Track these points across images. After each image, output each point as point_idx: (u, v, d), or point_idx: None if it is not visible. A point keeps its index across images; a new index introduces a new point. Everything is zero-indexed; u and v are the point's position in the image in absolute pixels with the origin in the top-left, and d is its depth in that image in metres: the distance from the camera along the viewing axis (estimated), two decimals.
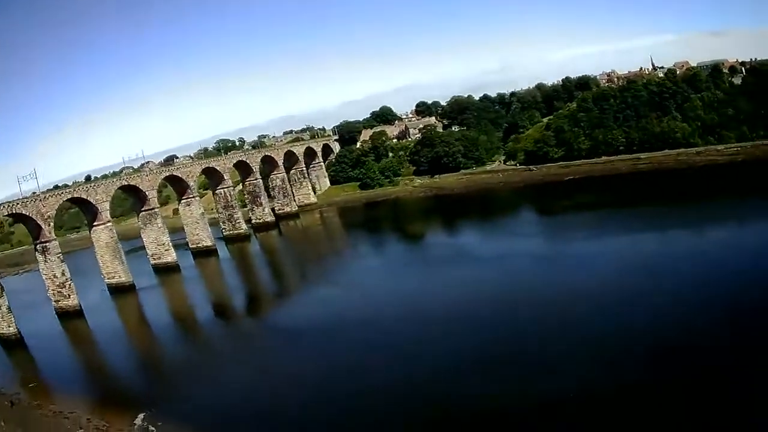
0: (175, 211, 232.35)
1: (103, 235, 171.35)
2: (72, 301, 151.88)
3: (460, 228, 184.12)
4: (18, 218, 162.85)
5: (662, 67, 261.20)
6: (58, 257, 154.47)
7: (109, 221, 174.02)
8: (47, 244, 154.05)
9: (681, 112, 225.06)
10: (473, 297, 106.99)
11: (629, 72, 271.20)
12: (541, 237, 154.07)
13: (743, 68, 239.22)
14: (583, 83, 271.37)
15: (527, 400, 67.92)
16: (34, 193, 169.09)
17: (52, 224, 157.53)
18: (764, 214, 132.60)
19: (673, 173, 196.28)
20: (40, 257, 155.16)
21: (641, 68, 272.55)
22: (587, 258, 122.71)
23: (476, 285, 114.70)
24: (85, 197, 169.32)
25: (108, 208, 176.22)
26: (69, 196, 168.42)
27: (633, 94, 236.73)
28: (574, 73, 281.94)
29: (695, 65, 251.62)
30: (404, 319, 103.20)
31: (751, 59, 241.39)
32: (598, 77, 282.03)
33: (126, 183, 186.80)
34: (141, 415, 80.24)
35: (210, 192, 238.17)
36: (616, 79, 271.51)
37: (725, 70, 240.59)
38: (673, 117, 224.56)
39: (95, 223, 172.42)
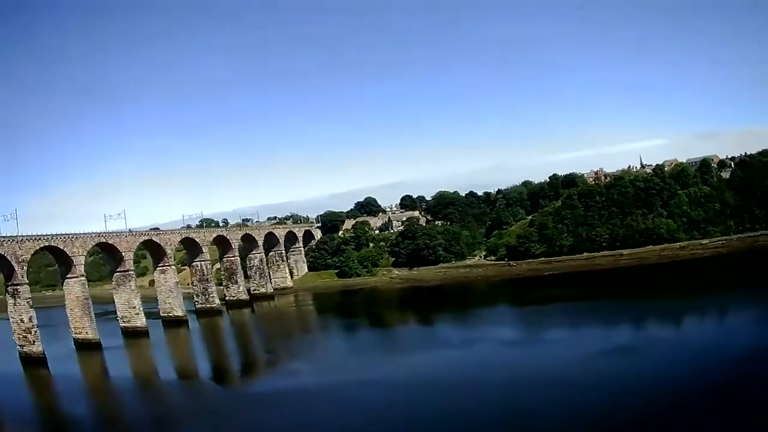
0: (151, 282, 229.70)
1: (75, 288, 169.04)
2: (36, 348, 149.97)
3: (431, 317, 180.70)
4: None
5: (650, 165, 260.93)
6: (27, 302, 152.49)
7: (82, 275, 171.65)
8: (18, 287, 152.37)
9: (667, 208, 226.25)
10: (433, 375, 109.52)
11: (617, 170, 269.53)
12: (508, 326, 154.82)
13: (732, 163, 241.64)
14: (570, 181, 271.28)
15: None
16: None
17: (25, 268, 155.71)
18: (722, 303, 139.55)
19: (653, 268, 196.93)
20: (10, 300, 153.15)
21: (629, 166, 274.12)
22: (550, 345, 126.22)
23: (437, 367, 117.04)
24: (61, 247, 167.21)
25: (83, 262, 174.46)
26: (46, 244, 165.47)
27: (619, 190, 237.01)
28: (563, 173, 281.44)
29: (684, 161, 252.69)
30: (364, 389, 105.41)
31: (741, 154, 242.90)
32: (585, 175, 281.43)
33: (104, 241, 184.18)
34: None
35: (187, 268, 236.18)
36: (603, 177, 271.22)
37: (714, 165, 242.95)
38: (658, 213, 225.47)
39: (68, 276, 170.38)
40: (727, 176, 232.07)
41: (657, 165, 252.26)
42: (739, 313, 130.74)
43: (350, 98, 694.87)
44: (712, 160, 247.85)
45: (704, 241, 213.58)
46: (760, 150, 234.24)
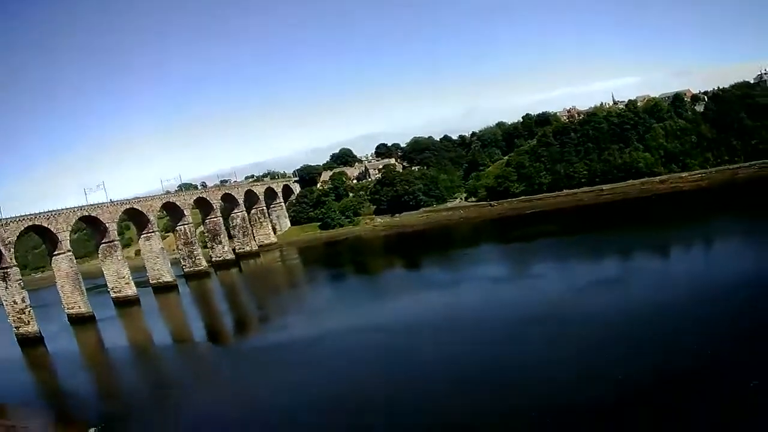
0: (137, 253, 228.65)
1: (63, 264, 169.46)
2: (32, 328, 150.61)
3: (417, 260, 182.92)
4: None
5: (623, 101, 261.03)
6: (19, 284, 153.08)
7: (69, 250, 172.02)
8: (8, 270, 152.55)
9: (643, 142, 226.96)
10: (422, 318, 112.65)
11: (590, 107, 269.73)
12: (494, 264, 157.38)
13: (705, 97, 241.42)
14: (544, 120, 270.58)
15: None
16: None
17: (12, 250, 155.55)
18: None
19: (635, 201, 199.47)
20: (1, 284, 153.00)
21: (602, 103, 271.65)
22: (538, 280, 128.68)
23: (426, 309, 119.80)
24: (45, 225, 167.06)
25: (68, 237, 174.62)
26: (29, 224, 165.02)
27: (594, 126, 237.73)
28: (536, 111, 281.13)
29: (657, 96, 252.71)
30: (356, 335, 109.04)
31: (714, 88, 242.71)
32: (558, 114, 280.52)
33: (87, 214, 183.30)
34: (91, 430, 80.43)
35: (171, 234, 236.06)
36: (576, 115, 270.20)
37: (687, 100, 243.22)
38: (635, 148, 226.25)
39: (55, 252, 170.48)
40: (701, 110, 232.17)
41: (630, 100, 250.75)
42: (723, 243, 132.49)
43: (321, 51, 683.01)
44: (685, 94, 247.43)
45: (683, 174, 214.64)
46: (733, 83, 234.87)
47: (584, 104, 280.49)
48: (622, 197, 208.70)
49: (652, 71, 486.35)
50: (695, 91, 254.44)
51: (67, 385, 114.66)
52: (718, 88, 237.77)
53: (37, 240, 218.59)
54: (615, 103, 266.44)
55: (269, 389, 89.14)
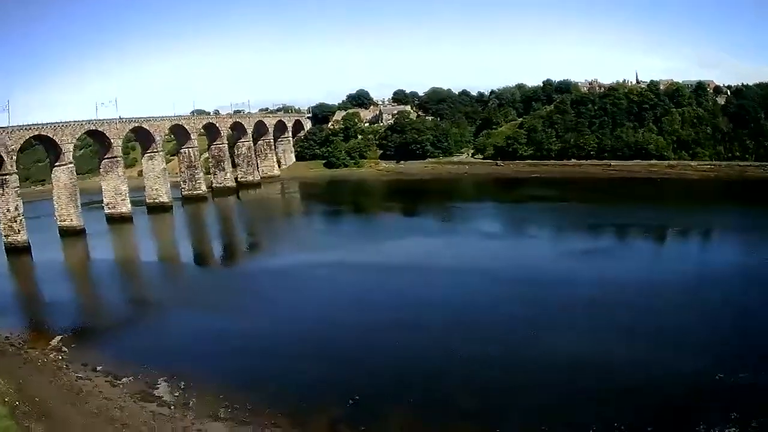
0: (140, 173, 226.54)
1: (63, 176, 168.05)
2: (21, 237, 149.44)
3: (414, 208, 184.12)
4: None
5: (645, 81, 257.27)
6: (15, 191, 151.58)
7: (71, 163, 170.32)
8: (7, 177, 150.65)
9: (658, 125, 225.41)
10: (408, 260, 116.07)
11: (613, 82, 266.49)
12: (489, 219, 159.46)
13: (728, 90, 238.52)
14: (564, 87, 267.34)
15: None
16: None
17: (14, 158, 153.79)
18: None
19: (641, 181, 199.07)
20: None
21: (624, 80, 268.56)
22: (528, 240, 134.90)
23: (413, 253, 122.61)
24: (50, 136, 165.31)
25: (71, 150, 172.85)
26: (36, 133, 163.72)
27: (612, 101, 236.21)
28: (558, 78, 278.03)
29: (680, 82, 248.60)
30: (338, 269, 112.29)
31: (737, 84, 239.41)
32: (579, 84, 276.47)
33: (93, 128, 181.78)
34: (58, 338, 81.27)
35: (175, 158, 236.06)
36: (597, 87, 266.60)
37: (710, 90, 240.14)
38: (649, 129, 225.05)
39: (57, 164, 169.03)
40: (722, 102, 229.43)
41: (652, 81, 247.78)
42: (719, 236, 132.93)
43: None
44: (708, 84, 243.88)
45: (693, 163, 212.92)
46: (758, 82, 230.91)
47: (607, 77, 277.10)
48: (628, 175, 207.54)
49: (678, 57, 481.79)
50: (720, 83, 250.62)
51: (44, 294, 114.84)
52: (742, 84, 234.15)
53: (42, 154, 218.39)
54: (638, 81, 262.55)
55: (247, 312, 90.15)
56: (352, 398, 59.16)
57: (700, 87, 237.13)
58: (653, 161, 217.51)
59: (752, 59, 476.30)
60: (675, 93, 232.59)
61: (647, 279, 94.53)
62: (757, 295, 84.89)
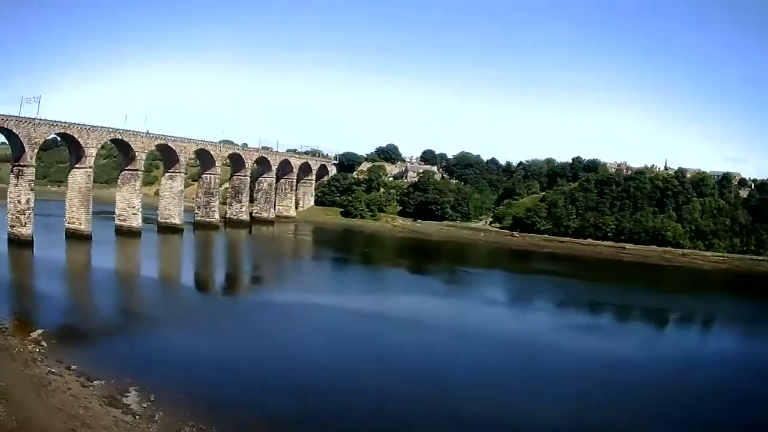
0: (157, 192, 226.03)
1: (79, 178, 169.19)
2: (26, 231, 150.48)
3: (422, 266, 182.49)
4: (6, 134, 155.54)
5: (674, 168, 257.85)
6: (30, 184, 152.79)
7: (90, 167, 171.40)
8: (24, 168, 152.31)
9: (678, 212, 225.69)
10: (406, 315, 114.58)
11: (642, 166, 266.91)
12: (495, 287, 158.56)
13: (753, 184, 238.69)
14: (592, 166, 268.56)
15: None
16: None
17: (35, 151, 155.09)
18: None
19: (652, 267, 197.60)
20: (12, 180, 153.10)
21: (653, 165, 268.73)
22: (530, 312, 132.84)
23: (413, 308, 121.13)
24: (75, 136, 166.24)
25: (94, 154, 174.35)
26: (61, 131, 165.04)
27: (637, 185, 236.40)
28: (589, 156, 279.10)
29: (707, 172, 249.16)
30: (332, 312, 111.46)
31: (764, 178, 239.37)
32: (609, 165, 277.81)
33: (120, 138, 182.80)
34: (39, 331, 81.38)
35: (195, 184, 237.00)
36: (625, 170, 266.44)
37: (735, 182, 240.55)
38: (669, 216, 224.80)
39: (77, 165, 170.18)
40: (745, 195, 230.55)
41: (680, 168, 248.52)
42: (712, 324, 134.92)
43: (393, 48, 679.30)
44: (734, 177, 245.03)
45: (707, 253, 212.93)
46: None
47: (637, 162, 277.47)
48: (641, 260, 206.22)
49: (706, 151, 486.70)
50: (746, 176, 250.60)
51: (36, 289, 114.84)
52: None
53: (64, 155, 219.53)
54: (666, 168, 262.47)
55: (234, 340, 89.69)
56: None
57: (725, 178, 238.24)
58: (668, 248, 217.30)
59: None
60: (700, 182, 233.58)
61: (640, 359, 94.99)
62: (744, 384, 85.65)
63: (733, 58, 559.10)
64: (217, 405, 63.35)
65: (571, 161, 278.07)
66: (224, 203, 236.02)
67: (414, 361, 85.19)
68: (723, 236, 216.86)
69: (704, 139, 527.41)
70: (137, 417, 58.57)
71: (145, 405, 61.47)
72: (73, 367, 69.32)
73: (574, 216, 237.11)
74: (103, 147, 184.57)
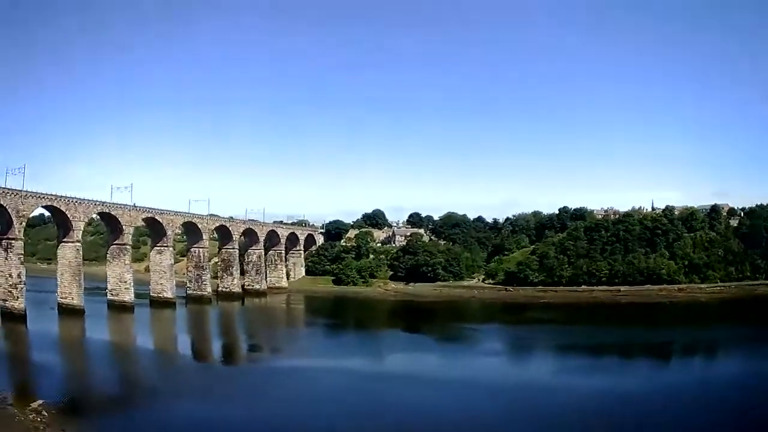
0: (147, 269, 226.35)
1: (69, 253, 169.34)
2: (19, 304, 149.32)
3: (418, 327, 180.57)
4: None
5: (660, 209, 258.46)
6: (19, 258, 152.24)
7: (78, 241, 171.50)
8: (13, 242, 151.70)
9: (670, 249, 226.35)
10: (399, 370, 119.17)
11: (630, 208, 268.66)
12: (491, 340, 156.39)
13: (742, 212, 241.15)
14: (579, 215, 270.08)
15: None
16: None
17: (23, 224, 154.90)
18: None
19: (649, 306, 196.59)
20: (1, 253, 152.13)
21: (641, 206, 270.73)
22: (530, 362, 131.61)
23: (406, 364, 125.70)
24: (63, 209, 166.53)
25: (82, 228, 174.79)
26: (48, 203, 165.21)
27: (626, 227, 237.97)
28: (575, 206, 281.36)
29: (695, 207, 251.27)
30: (330, 375, 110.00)
31: (752, 206, 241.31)
32: (596, 212, 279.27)
33: (107, 211, 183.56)
34: (39, 401, 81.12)
35: (184, 259, 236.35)
36: (613, 215, 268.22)
37: (724, 213, 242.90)
38: (661, 254, 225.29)
39: (65, 239, 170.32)
40: (735, 224, 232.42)
41: (667, 206, 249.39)
42: (710, 352, 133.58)
43: (368, 119, 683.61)
44: (723, 208, 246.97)
45: (702, 286, 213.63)
46: None
47: (623, 205, 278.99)
48: (638, 300, 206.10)
49: (692, 187, 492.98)
50: (734, 206, 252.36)
51: (33, 361, 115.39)
52: (756, 205, 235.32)
53: (51, 232, 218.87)
54: (653, 209, 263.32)
55: (232, 405, 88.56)
56: None
57: (714, 210, 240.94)
58: (663, 285, 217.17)
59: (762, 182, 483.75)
60: (689, 217, 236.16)
61: (646, 390, 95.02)
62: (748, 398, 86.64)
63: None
64: None
65: (557, 212, 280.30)
66: (215, 277, 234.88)
67: (417, 416, 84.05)
68: (717, 267, 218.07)
69: (690, 177, 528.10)
70: None
71: None
72: None
73: (567, 265, 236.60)
74: (89, 224, 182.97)
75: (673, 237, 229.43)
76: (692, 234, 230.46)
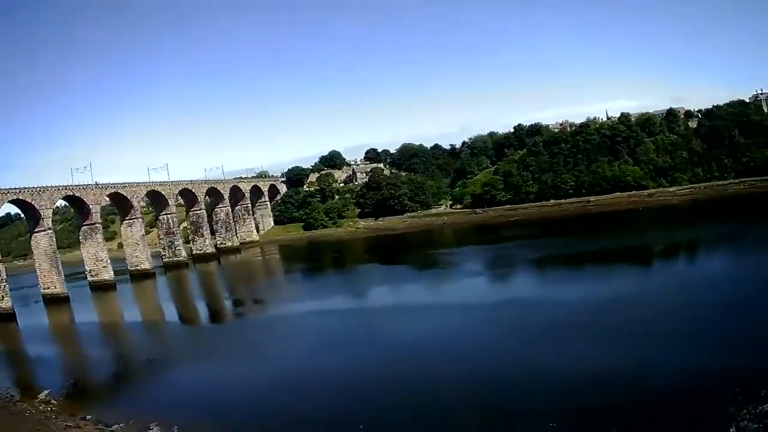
0: (120, 245, 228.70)
1: (42, 241, 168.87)
2: (5, 304, 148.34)
3: (394, 258, 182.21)
4: None
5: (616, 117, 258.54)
6: None
7: (49, 228, 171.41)
8: None
9: (633, 156, 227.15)
10: (386, 301, 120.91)
11: (585, 119, 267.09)
12: (469, 262, 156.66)
13: (699, 114, 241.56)
14: (535, 131, 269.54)
15: None
16: None
17: None
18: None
19: (622, 213, 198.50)
20: None
21: (595, 117, 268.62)
22: (508, 277, 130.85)
23: (389, 294, 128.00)
24: (29, 201, 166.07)
25: (50, 215, 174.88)
26: (14, 197, 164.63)
27: (585, 138, 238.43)
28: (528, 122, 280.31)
29: (651, 112, 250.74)
30: (317, 317, 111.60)
31: (708, 107, 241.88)
32: (551, 126, 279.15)
33: (71, 194, 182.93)
34: (46, 391, 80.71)
35: (154, 229, 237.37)
36: (569, 127, 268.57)
37: (681, 116, 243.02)
38: (625, 161, 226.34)
39: (36, 230, 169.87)
40: (694, 126, 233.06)
41: (622, 113, 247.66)
42: (688, 252, 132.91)
43: (316, 60, 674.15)
44: (679, 111, 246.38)
45: (672, 189, 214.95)
46: (727, 102, 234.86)
47: (578, 119, 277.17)
48: (609, 209, 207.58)
49: (647, 95, 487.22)
50: (690, 108, 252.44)
51: (31, 355, 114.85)
52: (713, 105, 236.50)
53: (22, 228, 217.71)
54: (608, 118, 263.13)
55: (235, 362, 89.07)
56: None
57: (670, 113, 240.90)
58: (632, 192, 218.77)
59: (718, 85, 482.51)
60: (646, 122, 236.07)
61: (630, 296, 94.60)
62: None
63: None
64: (236, 419, 63.32)
65: (513, 130, 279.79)
66: (187, 241, 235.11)
67: (414, 345, 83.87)
68: (684, 169, 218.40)
69: (641, 87, 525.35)
70: None
71: None
72: (88, 417, 68.64)
73: (531, 181, 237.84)
74: (56, 213, 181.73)
75: (633, 143, 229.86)
76: (652, 138, 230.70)
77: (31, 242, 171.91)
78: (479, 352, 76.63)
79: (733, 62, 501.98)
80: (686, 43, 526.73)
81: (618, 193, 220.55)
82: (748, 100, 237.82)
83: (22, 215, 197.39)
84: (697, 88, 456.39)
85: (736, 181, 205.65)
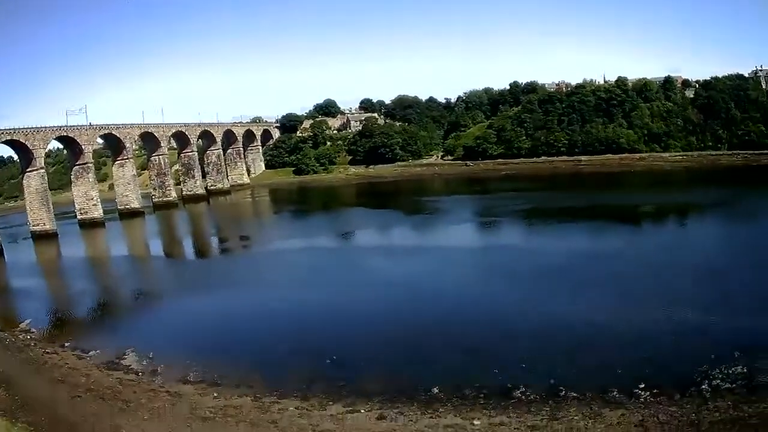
0: (111, 186, 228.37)
1: (33, 181, 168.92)
2: None
3: (376, 204, 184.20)
4: None
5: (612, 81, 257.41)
6: None
7: (42, 168, 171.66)
8: None
9: (628, 119, 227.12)
10: (372, 242, 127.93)
11: (582, 80, 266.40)
12: (457, 210, 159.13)
13: (697, 84, 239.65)
14: (531, 89, 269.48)
15: None
16: None
17: None
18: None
19: (612, 174, 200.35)
20: None
21: (592, 79, 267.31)
22: (497, 225, 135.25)
23: (379, 240, 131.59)
24: (22, 141, 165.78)
25: (43, 155, 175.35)
26: (8, 138, 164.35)
27: (580, 99, 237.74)
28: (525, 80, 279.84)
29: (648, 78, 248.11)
30: (300, 253, 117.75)
31: (705, 78, 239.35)
32: (547, 86, 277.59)
33: (65, 134, 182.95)
34: (27, 321, 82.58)
35: (146, 171, 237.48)
36: (565, 88, 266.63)
37: (678, 84, 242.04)
38: (619, 124, 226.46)
39: (28, 170, 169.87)
40: (691, 95, 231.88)
41: (619, 77, 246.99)
42: (675, 212, 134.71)
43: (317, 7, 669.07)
44: (676, 79, 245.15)
45: (665, 154, 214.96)
46: (726, 74, 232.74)
47: (575, 79, 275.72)
48: (600, 170, 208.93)
49: (643, 63, 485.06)
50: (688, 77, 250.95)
51: (14, 287, 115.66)
52: (711, 77, 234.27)
53: (15, 170, 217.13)
54: (605, 81, 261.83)
55: (218, 295, 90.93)
56: (330, 358, 58.91)
57: (668, 81, 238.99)
58: (624, 154, 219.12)
59: (718, 55, 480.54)
60: (643, 88, 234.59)
61: (618, 250, 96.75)
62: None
63: None
64: (218, 349, 64.83)
65: (509, 87, 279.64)
66: (178, 183, 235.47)
67: (402, 283, 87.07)
68: (678, 136, 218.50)
69: (641, 51, 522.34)
70: (140, 374, 60.06)
71: (145, 362, 63.09)
72: (66, 344, 70.57)
73: (524, 137, 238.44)
74: (49, 155, 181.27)
75: (629, 107, 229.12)
76: (648, 104, 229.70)
77: (23, 181, 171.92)
78: (460, 291, 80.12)
79: (735, 37, 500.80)
80: (686, 14, 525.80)
81: (610, 155, 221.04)
82: (747, 75, 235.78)
83: (16, 158, 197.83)
84: (697, 61, 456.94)
85: (730, 152, 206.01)
